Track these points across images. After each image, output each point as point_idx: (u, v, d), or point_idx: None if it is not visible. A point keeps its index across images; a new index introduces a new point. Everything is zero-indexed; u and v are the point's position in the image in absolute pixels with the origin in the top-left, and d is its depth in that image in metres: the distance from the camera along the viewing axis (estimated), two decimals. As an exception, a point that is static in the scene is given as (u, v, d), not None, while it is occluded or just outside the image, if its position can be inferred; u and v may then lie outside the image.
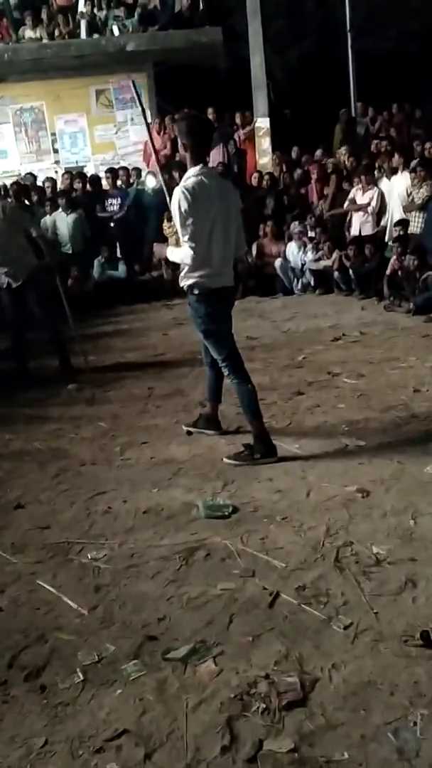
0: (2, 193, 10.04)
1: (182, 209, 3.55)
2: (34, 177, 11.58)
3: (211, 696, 2.12)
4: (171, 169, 10.86)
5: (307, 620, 2.43)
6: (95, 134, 12.62)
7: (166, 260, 4.31)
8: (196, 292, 3.77)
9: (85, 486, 3.76)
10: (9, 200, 8.38)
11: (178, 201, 3.56)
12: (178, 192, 3.58)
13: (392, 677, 2.12)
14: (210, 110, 11.36)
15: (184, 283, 3.80)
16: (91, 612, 2.60)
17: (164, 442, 4.33)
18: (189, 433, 4.41)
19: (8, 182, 11.36)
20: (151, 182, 10.15)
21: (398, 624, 2.36)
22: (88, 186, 10.60)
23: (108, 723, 2.05)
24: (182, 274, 3.80)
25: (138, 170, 10.80)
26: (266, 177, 10.49)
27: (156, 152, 6.13)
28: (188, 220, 3.57)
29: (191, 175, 3.64)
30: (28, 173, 11.85)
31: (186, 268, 3.73)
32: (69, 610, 2.62)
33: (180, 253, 3.72)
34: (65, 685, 2.22)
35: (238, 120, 11.77)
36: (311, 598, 2.55)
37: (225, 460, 3.91)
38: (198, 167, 3.64)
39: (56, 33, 12.05)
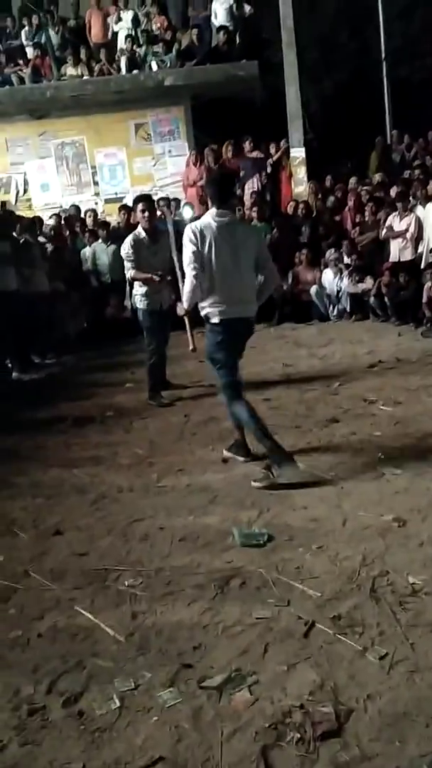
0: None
1: (186, 244, 4.06)
2: (78, 209, 11.87)
3: (246, 725, 2.13)
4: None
5: (342, 650, 2.43)
6: (134, 166, 12.91)
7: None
8: (210, 321, 4.16)
9: (123, 513, 3.81)
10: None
11: (187, 237, 4.07)
12: (187, 230, 4.08)
13: (428, 708, 2.10)
14: (248, 140, 11.58)
15: (202, 312, 4.20)
16: (128, 639, 2.63)
17: (200, 469, 4.37)
18: (224, 460, 4.45)
19: (50, 213, 11.72)
20: (188, 213, 10.31)
21: (434, 655, 2.35)
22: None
23: (144, 750, 2.07)
24: (199, 305, 4.19)
25: (177, 201, 10.99)
26: (301, 205, 10.59)
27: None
28: (190, 253, 4.04)
29: (205, 216, 4.17)
30: (72, 205, 12.17)
31: (197, 299, 4.15)
32: (106, 636, 2.66)
33: (185, 287, 4.16)
34: (102, 711, 2.25)
35: (272, 150, 11.94)
36: (346, 628, 2.55)
37: (253, 483, 3.99)
38: (213, 211, 4.11)
39: (96, 69, 12.42)
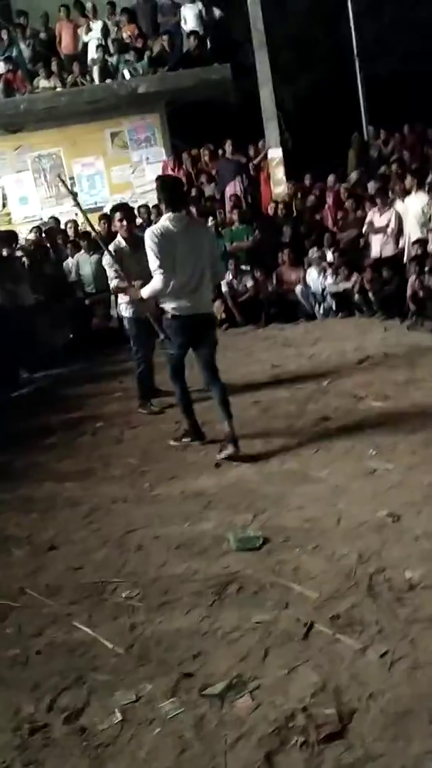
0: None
1: (150, 245, 4.39)
2: (57, 221, 11.84)
3: (249, 731, 2.11)
4: (188, 204, 11.06)
5: (342, 650, 2.42)
6: (112, 175, 12.90)
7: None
8: (169, 315, 4.61)
9: (117, 524, 3.79)
10: None
11: (149, 239, 4.39)
12: (148, 233, 4.43)
13: (430, 705, 2.09)
14: (228, 142, 11.59)
15: (163, 307, 4.65)
16: (127, 651, 2.61)
17: (193, 475, 4.36)
18: (217, 465, 4.44)
19: (29, 227, 11.68)
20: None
21: (435, 650, 2.34)
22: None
23: (148, 762, 2.06)
24: (160, 301, 4.65)
25: (158, 207, 10.96)
26: (281, 206, 10.61)
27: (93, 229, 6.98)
28: (156, 254, 4.37)
29: (162, 220, 4.50)
30: (51, 217, 12.14)
31: (161, 296, 4.55)
32: (105, 650, 2.64)
33: (152, 283, 4.51)
34: (104, 725, 2.24)
35: (251, 152, 11.96)
36: (346, 628, 2.54)
37: (171, 442, 4.94)
38: (169, 215, 4.46)
39: (69, 81, 12.40)
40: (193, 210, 10.88)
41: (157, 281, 4.45)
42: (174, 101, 12.64)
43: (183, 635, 2.66)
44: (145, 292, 4.65)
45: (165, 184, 4.67)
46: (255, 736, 2.09)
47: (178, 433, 5.08)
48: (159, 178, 4.93)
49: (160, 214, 5.55)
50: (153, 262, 4.43)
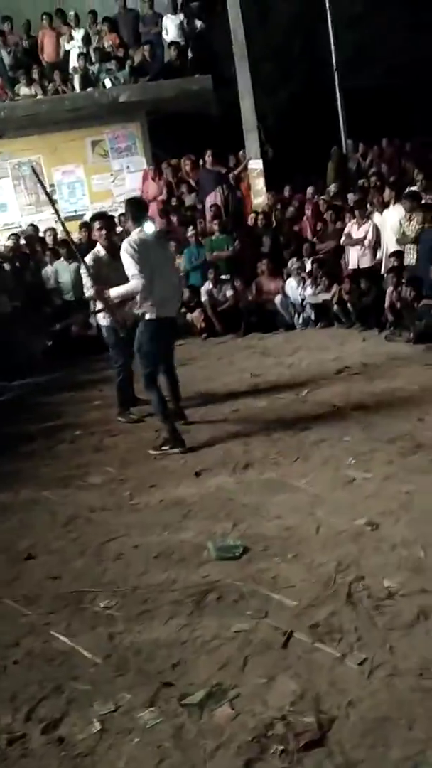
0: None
1: (130, 254, 4.78)
2: (36, 228, 11.81)
3: (228, 740, 2.11)
4: (169, 214, 11.10)
5: (321, 658, 2.43)
6: (93, 183, 12.89)
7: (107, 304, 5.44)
8: (146, 318, 4.92)
9: (96, 533, 3.78)
10: None
11: (126, 249, 4.80)
12: (125, 244, 4.85)
13: (409, 712, 2.11)
14: (208, 153, 11.66)
15: (140, 311, 4.96)
16: (106, 661, 2.60)
17: (173, 483, 4.36)
18: (197, 474, 4.45)
19: (8, 234, 11.64)
20: (149, 228, 10.32)
21: (413, 657, 2.36)
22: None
23: (127, 773, 2.05)
24: (137, 305, 4.95)
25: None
26: (260, 216, 10.68)
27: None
28: (135, 261, 4.76)
29: (133, 234, 4.93)
30: (30, 224, 12.09)
31: (138, 300, 4.89)
32: (83, 659, 2.63)
33: (128, 286, 4.88)
34: (83, 736, 2.22)
35: (231, 163, 12.03)
36: (325, 636, 2.55)
37: (151, 451, 4.97)
38: (137, 229, 4.95)
39: (50, 88, 12.40)
40: (174, 219, 10.94)
41: (134, 284, 4.82)
42: (155, 111, 12.68)
43: (162, 644, 2.65)
44: (121, 290, 5.00)
45: (131, 203, 5.25)
46: (234, 744, 2.09)
47: (157, 441, 5.07)
48: (126, 201, 5.44)
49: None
50: (131, 268, 4.79)
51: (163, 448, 4.97)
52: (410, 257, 8.24)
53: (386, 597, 2.75)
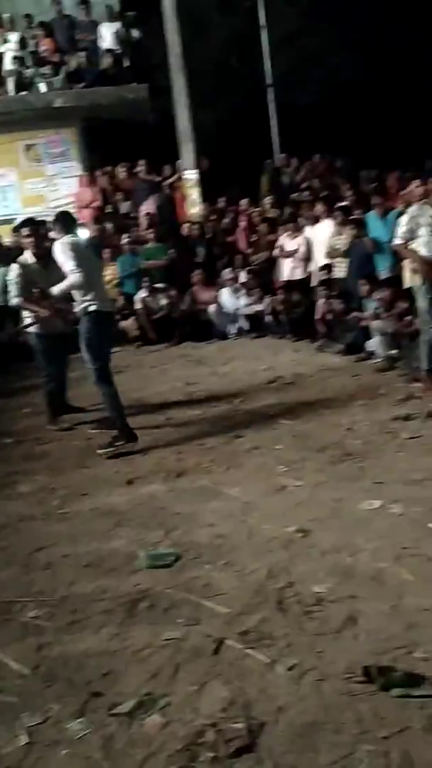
0: None
1: (64, 251, 5.02)
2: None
3: (158, 749, 2.10)
4: (103, 221, 11.03)
5: (251, 664, 2.45)
6: (25, 188, 12.69)
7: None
8: (89, 311, 5.07)
9: (24, 542, 3.70)
10: None
11: (62, 249, 5.05)
12: (58, 244, 5.10)
13: (337, 716, 2.14)
14: (142, 162, 11.66)
15: (81, 306, 5.09)
16: (34, 672, 2.54)
17: (104, 492, 4.31)
18: (129, 482, 4.42)
19: None
20: (83, 234, 10.23)
21: (341, 662, 2.40)
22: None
23: (54, 786, 2.01)
24: (78, 301, 5.10)
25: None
26: (195, 226, 10.74)
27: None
28: (71, 258, 4.99)
29: (66, 237, 5.14)
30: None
31: (79, 296, 5.06)
32: (10, 671, 2.56)
33: (68, 281, 5.03)
34: (9, 749, 2.16)
35: (166, 172, 12.05)
36: (255, 642, 2.57)
37: (99, 451, 4.97)
38: (69, 236, 5.18)
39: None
40: (109, 226, 10.86)
41: (73, 278, 5.00)
42: (91, 118, 12.59)
43: (92, 654, 2.61)
44: (62, 286, 5.11)
45: (58, 217, 5.45)
46: (164, 753, 2.08)
47: (104, 440, 5.08)
48: (56, 214, 5.64)
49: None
50: (68, 263, 4.99)
51: (116, 444, 4.97)
52: (340, 270, 8.45)
53: (315, 603, 2.79)
